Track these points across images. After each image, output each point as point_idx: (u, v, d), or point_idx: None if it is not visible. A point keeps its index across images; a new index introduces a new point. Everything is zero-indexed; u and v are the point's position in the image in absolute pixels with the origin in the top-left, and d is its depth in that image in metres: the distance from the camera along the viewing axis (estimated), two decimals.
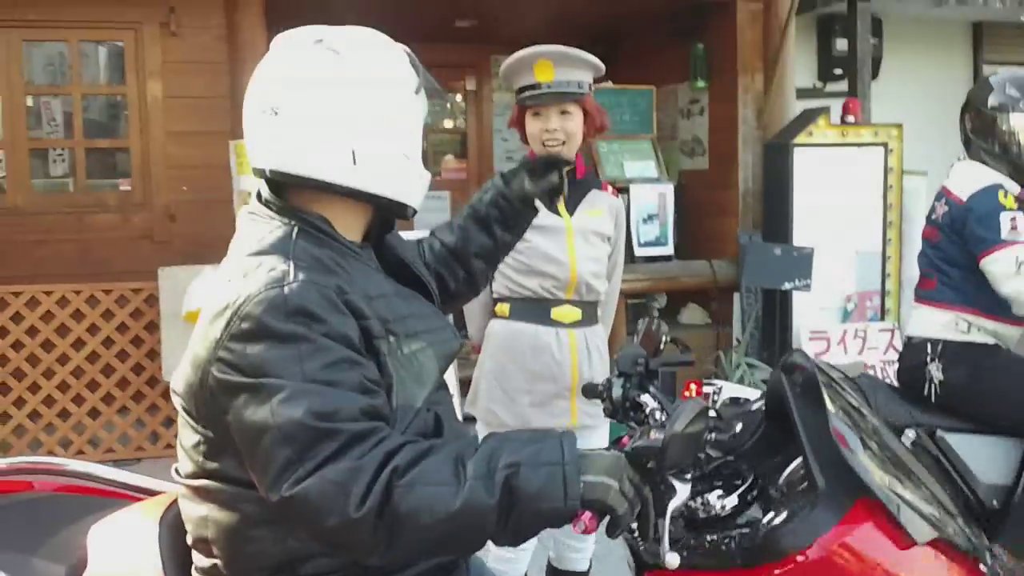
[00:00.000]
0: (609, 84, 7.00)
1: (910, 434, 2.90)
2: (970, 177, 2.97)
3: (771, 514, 1.41)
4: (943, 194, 3.03)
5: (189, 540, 1.48)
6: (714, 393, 2.96)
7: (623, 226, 2.83)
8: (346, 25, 1.57)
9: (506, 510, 1.25)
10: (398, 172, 1.50)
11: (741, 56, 6.47)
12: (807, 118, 5.84)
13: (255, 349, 1.30)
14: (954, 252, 2.94)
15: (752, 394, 2.91)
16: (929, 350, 2.98)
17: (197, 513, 1.44)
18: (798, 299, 5.63)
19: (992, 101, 2.98)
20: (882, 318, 5.83)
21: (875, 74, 7.44)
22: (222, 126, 5.48)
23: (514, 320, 2.62)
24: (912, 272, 5.61)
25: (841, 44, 7.20)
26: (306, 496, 1.24)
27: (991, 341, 2.92)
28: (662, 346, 1.87)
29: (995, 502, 2.87)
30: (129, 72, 5.51)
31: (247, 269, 1.39)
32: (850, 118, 5.88)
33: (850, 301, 5.75)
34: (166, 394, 4.88)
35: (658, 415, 1.67)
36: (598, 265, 2.68)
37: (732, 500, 1.46)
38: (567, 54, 2.60)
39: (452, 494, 1.24)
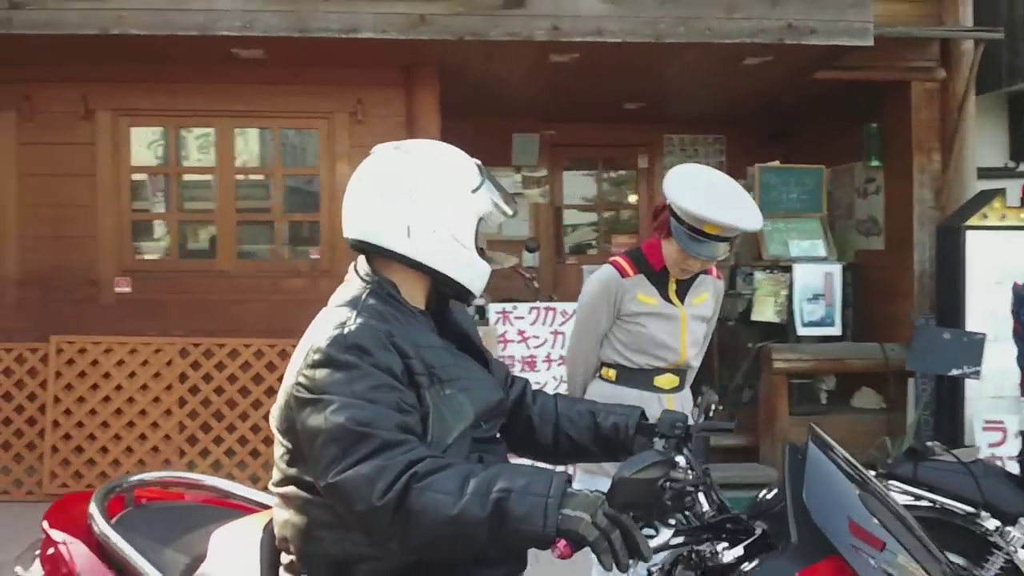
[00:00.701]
0: (777, 163, 7.03)
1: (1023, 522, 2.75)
2: None
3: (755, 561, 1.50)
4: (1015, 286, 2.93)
5: (277, 541, 1.79)
6: None
7: (720, 302, 3.09)
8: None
9: (495, 526, 1.48)
10: (447, 250, 1.78)
11: (916, 135, 6.35)
12: (982, 199, 5.62)
13: (320, 373, 1.64)
14: None
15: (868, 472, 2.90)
16: None
17: (281, 517, 1.76)
18: (970, 386, 5.35)
19: None
20: None
21: None
22: None
23: (620, 385, 2.85)
24: None
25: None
26: (344, 484, 1.55)
27: None
28: (711, 413, 1.96)
29: None
30: (322, 155, 6.15)
31: (327, 318, 1.74)
32: None
33: None
34: None
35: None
36: (700, 346, 3.00)
37: (737, 551, 1.55)
38: (736, 229, 2.70)
39: (453, 503, 1.50)
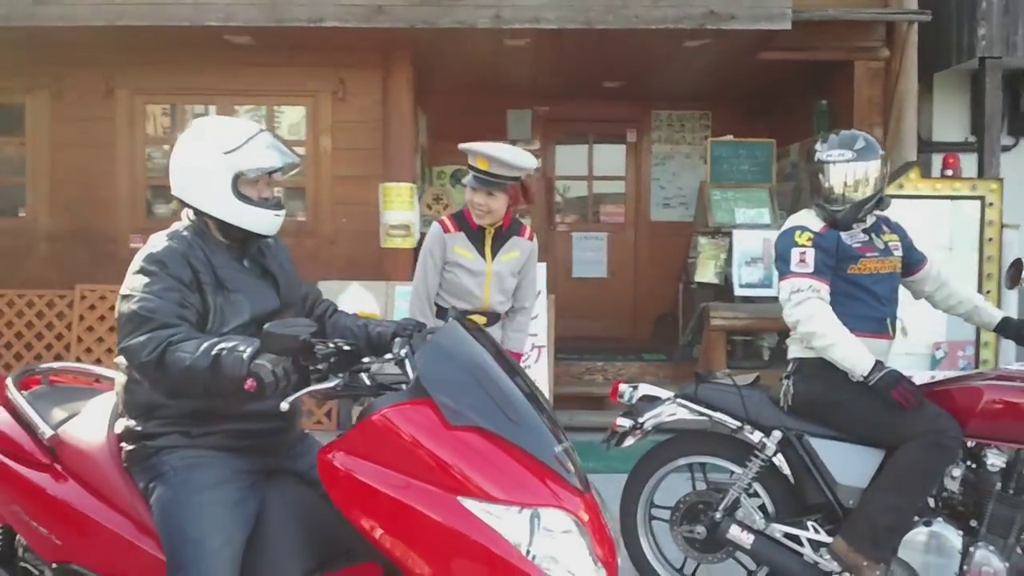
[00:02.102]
0: (730, 137, 7.53)
1: (776, 434, 3.33)
2: (787, 221, 3.41)
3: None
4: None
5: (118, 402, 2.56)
6: (632, 389, 3.62)
7: (533, 258, 3.82)
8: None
9: (214, 372, 2.17)
10: (212, 200, 2.48)
11: (858, 111, 6.78)
12: (903, 171, 6.03)
13: (133, 277, 2.40)
14: None
15: (664, 393, 3.53)
16: (790, 368, 3.41)
17: (118, 380, 2.52)
18: None
19: (816, 157, 3.37)
20: (976, 367, 5.83)
21: None
22: (376, 171, 6.71)
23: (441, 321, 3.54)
24: None
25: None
26: (129, 349, 2.29)
27: None
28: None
29: (851, 502, 3.22)
30: (308, 129, 6.91)
31: (150, 241, 2.49)
32: (948, 172, 5.99)
33: (939, 349, 5.83)
34: None
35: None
36: (508, 294, 3.75)
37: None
38: (501, 159, 3.51)
39: (189, 359, 2.19)
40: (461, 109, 9.08)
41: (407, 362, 2.32)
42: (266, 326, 2.14)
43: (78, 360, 6.55)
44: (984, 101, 6.68)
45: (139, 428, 2.46)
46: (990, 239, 5.86)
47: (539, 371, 6.66)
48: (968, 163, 7.09)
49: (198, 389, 2.26)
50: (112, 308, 6.57)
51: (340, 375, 2.24)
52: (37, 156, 7.00)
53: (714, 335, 6.62)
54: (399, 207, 6.65)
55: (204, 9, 5.88)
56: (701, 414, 3.47)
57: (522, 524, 2.06)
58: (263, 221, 2.53)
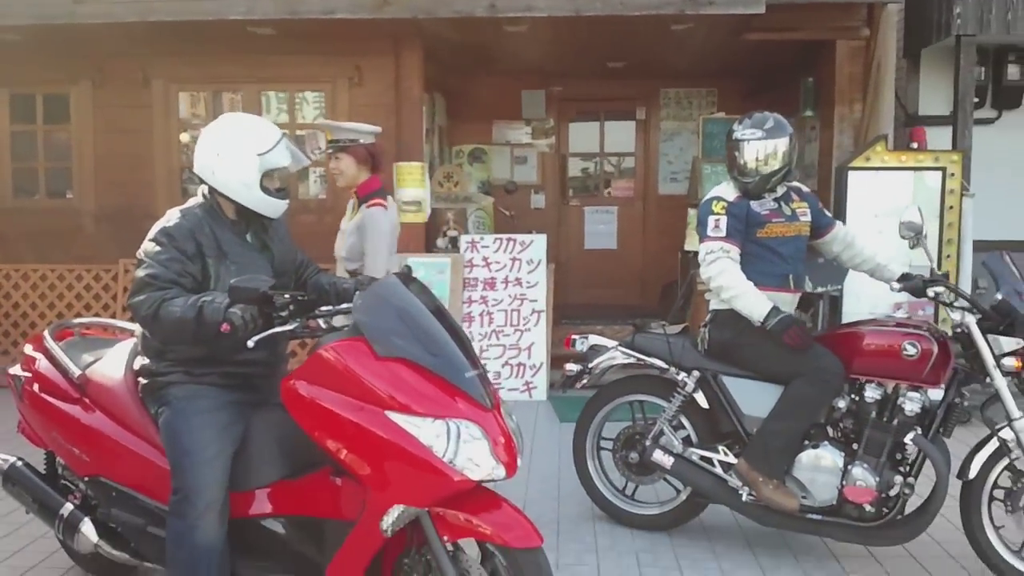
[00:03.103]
0: (722, 114, 7.96)
1: (695, 374, 3.86)
2: (708, 192, 3.90)
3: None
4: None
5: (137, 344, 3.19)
6: (583, 340, 4.17)
7: (366, 227, 4.28)
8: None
9: (199, 321, 2.77)
10: (236, 187, 3.02)
11: (839, 87, 7.16)
12: (869, 144, 6.43)
13: (147, 246, 2.96)
14: None
15: (609, 343, 4.07)
16: (707, 318, 3.92)
17: (138, 330, 3.14)
18: (848, 303, 6.26)
19: (733, 136, 3.85)
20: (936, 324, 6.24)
21: (1018, 103, 7.65)
22: (390, 151, 7.27)
23: None
24: (966, 286, 6.11)
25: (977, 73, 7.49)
26: (132, 305, 2.88)
27: None
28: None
29: (754, 430, 3.74)
30: (328, 111, 7.51)
31: (165, 215, 3.04)
32: (914, 144, 6.38)
33: (900, 308, 6.24)
34: None
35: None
36: (348, 253, 4.33)
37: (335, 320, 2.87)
38: (335, 127, 4.38)
39: (179, 312, 2.79)
40: (477, 91, 9.65)
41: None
42: (232, 280, 2.73)
43: None
44: (958, 77, 6.99)
45: (153, 367, 3.09)
46: (951, 207, 6.24)
47: (538, 334, 7.22)
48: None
49: (187, 336, 2.86)
50: None
51: (298, 320, 2.82)
52: (82, 142, 7.71)
53: (699, 299, 7.10)
54: (411, 184, 7.22)
55: (227, 4, 6.47)
56: (637, 359, 4.01)
57: (437, 431, 2.60)
58: (274, 207, 3.13)
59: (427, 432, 2.61)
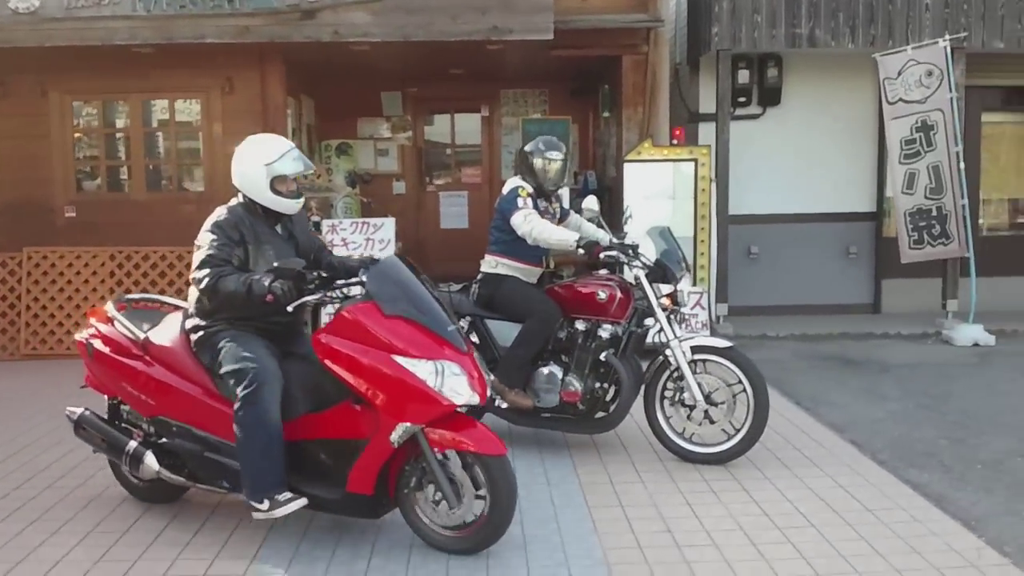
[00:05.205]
0: (539, 116, 9.61)
1: (468, 318, 5.45)
2: (507, 184, 5.49)
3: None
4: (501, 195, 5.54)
5: (188, 312, 4.18)
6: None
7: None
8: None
9: (248, 293, 3.72)
10: (254, 189, 3.98)
11: (626, 93, 8.86)
12: (639, 143, 8.14)
13: (203, 235, 3.94)
14: (499, 223, 5.44)
15: None
16: (478, 277, 5.51)
17: (190, 297, 4.11)
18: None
19: (545, 154, 5.43)
20: (695, 284, 8.00)
21: (777, 101, 9.47)
22: None
23: None
24: (715, 252, 7.85)
25: (742, 77, 9.27)
26: (196, 278, 3.86)
27: (512, 273, 5.39)
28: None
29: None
30: (203, 118, 8.83)
31: (214, 213, 4.05)
32: (674, 141, 8.11)
33: None
34: None
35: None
36: None
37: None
38: None
39: (232, 286, 3.75)
40: (342, 92, 11.05)
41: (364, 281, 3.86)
42: (275, 263, 3.80)
43: (28, 307, 8.48)
44: (719, 83, 8.76)
45: (205, 324, 4.01)
46: (703, 190, 8.00)
47: None
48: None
49: (237, 303, 3.84)
50: (53, 265, 8.50)
51: (322, 291, 3.89)
52: None
53: None
54: None
55: (112, 32, 7.73)
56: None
57: (430, 370, 3.60)
58: (287, 206, 4.08)
59: (422, 370, 3.58)
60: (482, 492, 3.75)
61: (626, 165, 8.05)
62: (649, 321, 5.18)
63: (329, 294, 3.88)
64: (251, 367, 3.78)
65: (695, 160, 8.01)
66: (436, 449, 3.70)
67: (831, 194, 9.61)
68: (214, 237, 3.88)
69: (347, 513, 3.97)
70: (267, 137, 4.14)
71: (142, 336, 4.19)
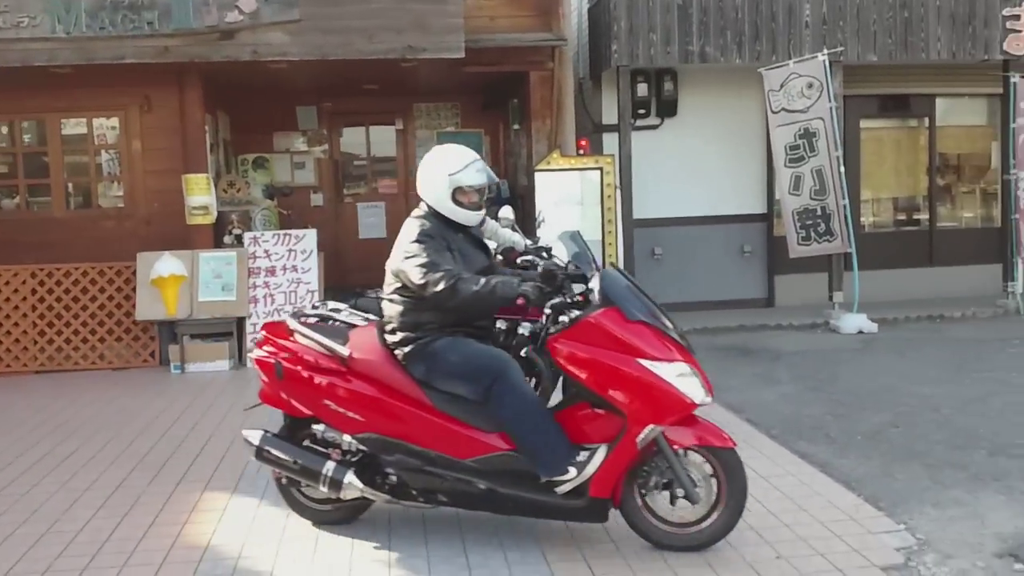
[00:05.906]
0: (452, 128, 10.05)
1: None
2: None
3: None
4: None
5: (385, 321, 4.09)
6: (322, 303, 5.99)
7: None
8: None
9: (491, 296, 3.72)
10: (438, 201, 3.97)
11: (533, 107, 9.36)
12: (549, 153, 8.67)
13: (415, 245, 3.85)
14: None
15: (343, 305, 5.91)
16: None
17: (391, 310, 4.03)
18: None
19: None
20: None
21: (674, 112, 10.13)
22: (177, 166, 8.81)
23: None
24: (621, 254, 8.38)
25: (641, 90, 9.89)
26: (426, 282, 3.75)
27: None
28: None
29: None
30: (122, 134, 8.98)
31: (412, 223, 3.97)
32: (581, 151, 8.67)
33: None
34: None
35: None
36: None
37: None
38: None
39: (476, 288, 3.72)
40: (258, 107, 11.25)
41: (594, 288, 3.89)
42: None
43: None
44: (619, 96, 9.37)
45: (415, 336, 3.93)
46: (609, 196, 8.57)
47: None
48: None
49: (480, 304, 3.81)
50: None
51: (563, 294, 3.90)
52: None
53: None
54: (198, 193, 8.79)
55: (32, 53, 7.84)
56: (358, 314, 5.94)
57: (670, 371, 3.67)
58: (467, 217, 4.06)
59: (666, 371, 3.66)
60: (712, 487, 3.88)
61: (537, 174, 8.56)
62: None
63: (569, 298, 3.91)
64: (487, 360, 3.87)
65: (600, 168, 8.57)
66: (675, 447, 3.79)
67: (726, 197, 10.34)
68: (426, 244, 3.85)
69: (579, 519, 3.98)
70: (453, 147, 4.12)
71: (345, 352, 4.03)
